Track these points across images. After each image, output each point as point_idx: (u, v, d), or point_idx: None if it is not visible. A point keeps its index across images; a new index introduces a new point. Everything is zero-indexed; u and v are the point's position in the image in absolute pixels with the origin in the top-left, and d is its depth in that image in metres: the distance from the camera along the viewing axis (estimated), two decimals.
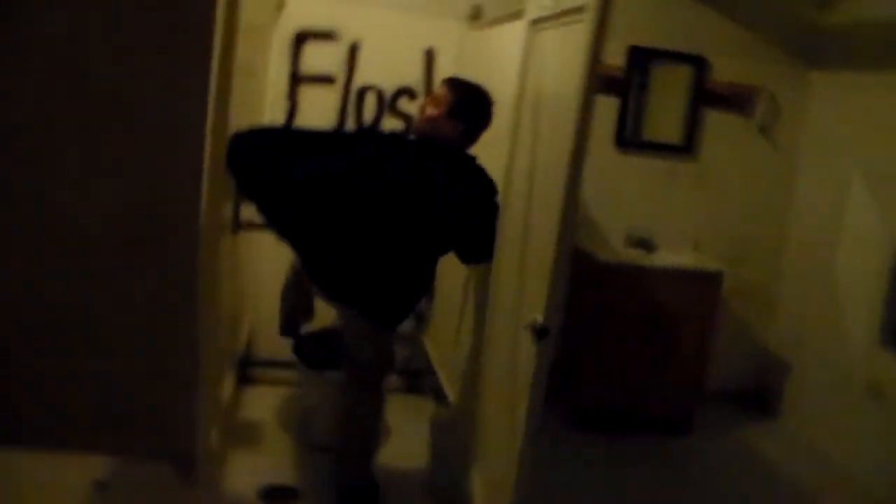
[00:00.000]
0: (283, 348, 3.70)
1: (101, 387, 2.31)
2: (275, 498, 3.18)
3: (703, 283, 4.11)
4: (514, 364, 2.29)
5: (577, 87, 1.91)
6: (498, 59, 3.20)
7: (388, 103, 4.03)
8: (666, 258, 4.21)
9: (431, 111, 3.02)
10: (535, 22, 2.55)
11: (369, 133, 3.11)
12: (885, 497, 3.54)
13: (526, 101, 2.60)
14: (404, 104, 4.02)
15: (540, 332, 1.98)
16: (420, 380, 4.29)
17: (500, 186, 2.83)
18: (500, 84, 2.98)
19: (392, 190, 2.84)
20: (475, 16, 4.01)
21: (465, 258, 3.00)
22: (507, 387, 2.37)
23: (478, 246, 2.91)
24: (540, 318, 1.98)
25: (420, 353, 4.20)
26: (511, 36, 2.90)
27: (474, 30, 3.93)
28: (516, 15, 2.88)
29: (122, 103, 2.00)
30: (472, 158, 3.03)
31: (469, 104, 3.01)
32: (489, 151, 3.00)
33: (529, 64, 2.58)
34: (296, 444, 3.63)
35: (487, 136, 3.04)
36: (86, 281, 2.16)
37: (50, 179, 2.04)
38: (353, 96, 4.00)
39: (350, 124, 4.00)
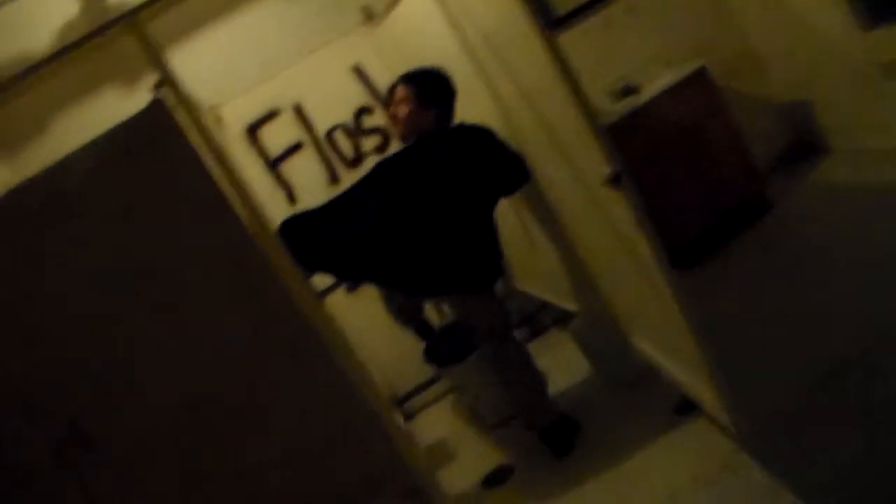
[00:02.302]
0: (407, 380, 4.02)
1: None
2: (495, 481, 3.44)
3: (696, 86, 4.27)
4: (612, 227, 2.51)
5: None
6: (421, 29, 3.43)
7: (354, 130, 4.29)
8: (651, 89, 4.35)
9: (403, 112, 3.21)
10: None
11: (379, 168, 3.35)
12: None
13: (475, 43, 2.83)
14: (369, 121, 4.27)
15: (615, 179, 2.21)
16: (537, 321, 4.53)
17: (502, 118, 3.06)
18: (440, 47, 3.21)
19: (429, 188, 3.10)
20: (370, 16, 4.26)
21: (511, 190, 3.26)
22: (619, 251, 2.59)
23: (514, 176, 3.18)
24: (607, 169, 2.22)
25: (520, 302, 4.44)
26: (420, 3, 3.13)
27: (378, 25, 4.16)
28: None
29: None
30: (459, 124, 3.26)
31: (432, 88, 3.21)
32: (469, 101, 3.24)
33: (455, 12, 2.82)
34: (484, 431, 3.88)
35: (464, 88, 3.26)
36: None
37: None
38: (325, 143, 4.26)
39: (338, 165, 4.27)
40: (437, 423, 4.23)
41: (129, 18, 2.51)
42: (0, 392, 2.54)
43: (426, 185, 3.11)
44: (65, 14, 3.91)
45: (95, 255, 2.51)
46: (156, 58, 2.55)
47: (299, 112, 4.23)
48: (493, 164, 3.14)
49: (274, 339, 2.61)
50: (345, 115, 4.29)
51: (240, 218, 2.53)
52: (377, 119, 4.26)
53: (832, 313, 3.09)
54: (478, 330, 3.37)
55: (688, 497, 2.62)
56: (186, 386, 2.60)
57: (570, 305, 3.64)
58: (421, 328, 3.84)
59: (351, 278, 3.26)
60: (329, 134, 4.28)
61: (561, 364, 3.87)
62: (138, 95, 3.90)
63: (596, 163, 2.26)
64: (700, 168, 4.27)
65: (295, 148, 4.23)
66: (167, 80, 2.57)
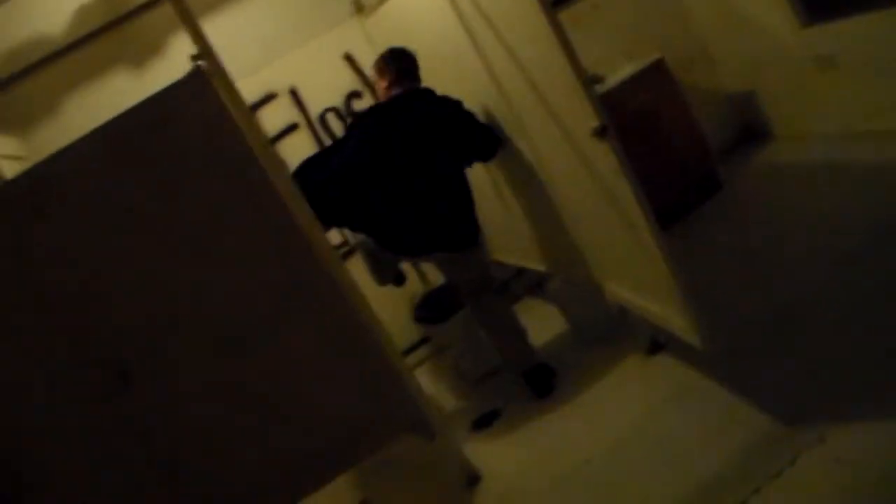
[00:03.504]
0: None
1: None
2: (483, 423, 3.81)
3: (654, 76, 4.72)
4: (597, 179, 2.90)
5: None
6: (418, 14, 3.81)
7: (345, 112, 4.66)
8: (615, 78, 4.80)
9: (377, 85, 3.77)
10: None
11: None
12: None
13: (477, 27, 3.23)
14: (358, 105, 4.64)
15: (600, 131, 2.58)
16: (511, 290, 4.93)
17: (493, 85, 3.44)
18: (436, 30, 3.61)
19: (421, 136, 3.49)
20: (359, 7, 4.64)
21: (486, 158, 3.70)
22: (602, 202, 2.98)
23: (490, 145, 3.61)
24: (593, 122, 2.59)
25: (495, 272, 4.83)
26: None
27: (369, 16, 4.54)
28: None
29: None
30: (432, 91, 3.66)
31: (384, 59, 3.68)
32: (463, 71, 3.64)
33: None
34: (473, 382, 4.26)
35: (458, 63, 3.66)
36: None
37: None
38: (318, 125, 4.62)
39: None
40: (423, 383, 4.58)
41: None
42: (53, 334, 2.82)
43: (400, 137, 3.49)
44: None
45: (143, 208, 2.83)
46: (195, 30, 2.89)
47: (295, 95, 4.58)
48: (461, 126, 3.56)
49: (296, 284, 2.95)
50: (336, 98, 4.66)
51: (267, 174, 2.87)
52: (366, 103, 4.62)
53: (776, 266, 3.60)
54: (463, 285, 3.75)
55: (660, 414, 3.05)
56: (218, 327, 2.93)
57: (545, 268, 4.04)
58: (397, 278, 4.16)
59: (339, 223, 3.66)
60: (322, 116, 4.64)
61: (536, 326, 4.20)
62: (147, 78, 4.24)
63: (584, 118, 2.65)
64: (658, 150, 4.70)
65: (291, 128, 4.58)
66: (205, 52, 2.91)
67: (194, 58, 2.94)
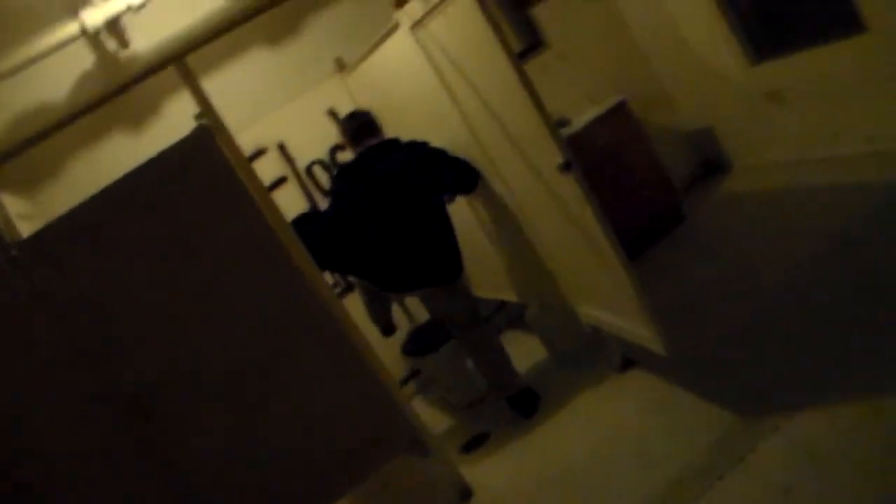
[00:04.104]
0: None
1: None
2: (473, 446, 4.05)
3: (617, 117, 5.07)
4: (564, 210, 3.21)
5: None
6: (397, 69, 4.14)
7: (330, 164, 4.97)
8: (580, 121, 5.14)
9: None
10: (416, 24, 3.53)
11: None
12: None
13: (451, 78, 3.57)
14: (342, 156, 4.96)
15: (565, 167, 2.90)
16: (491, 322, 5.21)
17: (468, 130, 3.74)
18: (414, 83, 3.94)
19: (392, 183, 3.80)
20: (341, 66, 4.99)
21: (465, 190, 3.99)
22: (569, 231, 3.29)
23: (465, 175, 3.90)
24: (558, 158, 2.91)
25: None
26: (399, 47, 3.86)
27: (350, 73, 4.89)
28: (389, 34, 3.86)
29: None
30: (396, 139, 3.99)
31: (340, 125, 4.16)
32: (439, 123, 3.97)
33: (433, 52, 3.56)
34: (463, 410, 4.52)
35: (434, 113, 3.97)
36: None
37: None
38: (306, 177, 4.94)
39: (316, 194, 4.95)
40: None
41: (177, 61, 3.13)
42: (74, 367, 3.07)
43: (372, 188, 3.80)
44: (81, 67, 4.52)
45: (155, 250, 3.10)
46: (197, 91, 3.19)
47: (283, 150, 4.90)
48: (431, 162, 3.87)
49: (295, 316, 3.23)
50: (322, 151, 4.99)
51: (266, 219, 3.16)
52: (349, 155, 4.91)
53: (731, 285, 3.96)
54: (453, 318, 4.04)
55: (633, 422, 3.35)
56: (226, 358, 3.18)
57: (522, 298, 4.33)
58: (387, 328, 4.48)
59: (335, 269, 3.97)
60: (309, 168, 4.96)
61: (518, 354, 4.44)
62: (144, 138, 4.54)
63: (550, 156, 2.97)
64: (623, 186, 5.01)
65: (281, 181, 4.89)
66: (207, 110, 3.21)
67: (198, 116, 3.25)
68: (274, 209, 3.31)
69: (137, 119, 4.70)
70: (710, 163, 5.69)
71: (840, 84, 4.28)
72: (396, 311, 4.80)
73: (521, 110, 3.01)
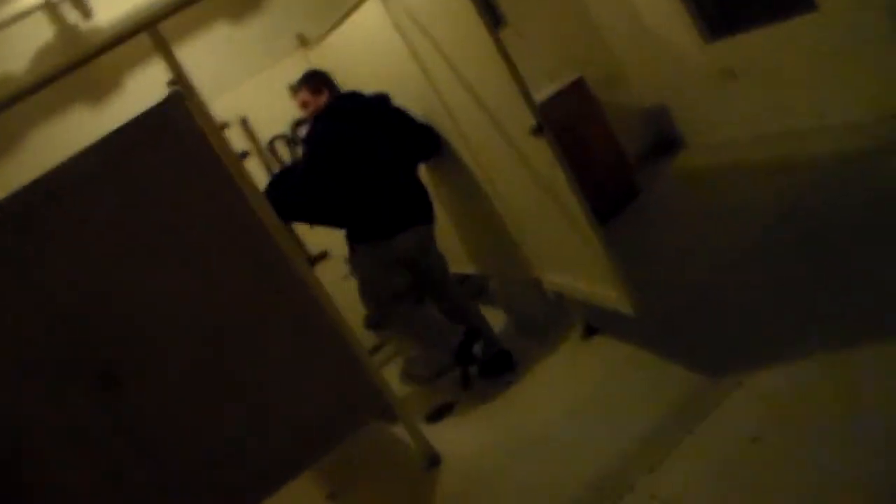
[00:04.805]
0: None
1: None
2: (437, 415, 4.10)
3: (574, 94, 5.20)
4: (534, 175, 3.28)
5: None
6: (365, 39, 4.15)
7: (291, 139, 4.99)
8: (538, 97, 5.11)
9: (306, 101, 4.11)
10: None
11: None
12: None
13: (421, 47, 3.61)
14: (303, 132, 4.96)
15: (537, 129, 2.97)
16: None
17: (436, 95, 3.79)
18: (382, 52, 3.98)
19: (370, 121, 3.89)
20: (303, 42, 4.99)
21: (428, 154, 4.09)
22: (539, 195, 3.35)
23: (426, 136, 4.00)
24: (531, 120, 2.99)
25: None
26: (368, 18, 3.89)
27: (313, 48, 4.90)
28: (358, 4, 3.88)
29: None
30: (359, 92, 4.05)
31: (299, 84, 4.13)
32: (406, 91, 4.01)
33: (403, 21, 3.60)
34: (427, 382, 4.54)
35: (403, 83, 4.00)
36: None
37: None
38: (267, 152, 4.94)
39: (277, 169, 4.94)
40: None
41: (150, 27, 3.12)
42: (45, 334, 3.05)
43: (346, 133, 3.85)
44: (41, 39, 4.45)
45: (129, 222, 3.10)
46: (171, 58, 3.19)
47: (245, 125, 4.89)
48: (394, 116, 3.98)
49: (270, 287, 3.26)
50: (283, 127, 4.99)
51: (240, 187, 3.18)
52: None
53: (692, 253, 4.10)
54: (429, 273, 4.10)
55: (601, 386, 3.45)
56: (199, 325, 3.20)
57: (485, 271, 4.40)
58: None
59: (321, 220, 4.00)
60: (271, 143, 4.96)
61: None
62: (105, 113, 4.50)
63: (522, 119, 3.04)
64: (580, 162, 5.07)
65: (243, 155, 4.87)
66: (180, 79, 3.21)
67: (170, 83, 3.25)
68: (244, 176, 3.33)
69: (99, 93, 4.65)
70: (665, 139, 5.83)
71: (792, 61, 4.44)
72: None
73: (493, 76, 3.07)
